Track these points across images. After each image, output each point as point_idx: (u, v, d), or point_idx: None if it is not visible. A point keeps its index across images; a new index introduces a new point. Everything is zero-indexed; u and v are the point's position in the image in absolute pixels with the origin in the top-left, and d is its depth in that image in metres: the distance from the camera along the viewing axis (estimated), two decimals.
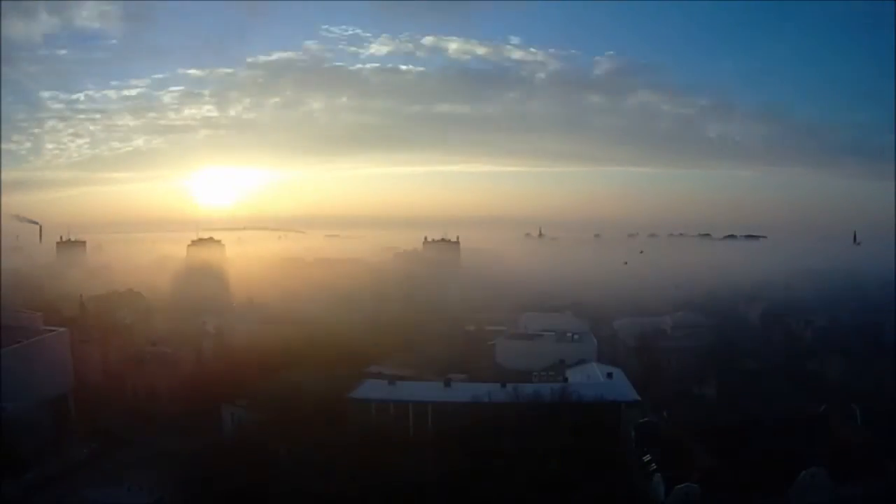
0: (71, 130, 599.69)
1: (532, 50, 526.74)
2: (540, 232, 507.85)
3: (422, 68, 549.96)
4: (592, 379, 77.46)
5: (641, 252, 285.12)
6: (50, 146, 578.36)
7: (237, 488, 47.98)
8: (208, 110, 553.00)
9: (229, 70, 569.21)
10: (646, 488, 53.07)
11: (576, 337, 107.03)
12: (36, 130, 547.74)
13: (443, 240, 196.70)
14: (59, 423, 73.97)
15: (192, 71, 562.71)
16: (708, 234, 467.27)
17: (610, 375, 77.15)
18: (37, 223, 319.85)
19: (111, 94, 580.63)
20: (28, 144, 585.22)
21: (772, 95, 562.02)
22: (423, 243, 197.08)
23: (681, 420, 63.76)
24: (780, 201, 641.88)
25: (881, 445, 54.19)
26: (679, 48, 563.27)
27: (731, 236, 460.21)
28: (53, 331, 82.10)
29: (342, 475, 47.63)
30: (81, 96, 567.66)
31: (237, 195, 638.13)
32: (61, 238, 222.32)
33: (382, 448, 54.33)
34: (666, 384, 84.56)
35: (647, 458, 55.67)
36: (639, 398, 69.16)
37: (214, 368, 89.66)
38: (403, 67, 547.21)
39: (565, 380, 77.15)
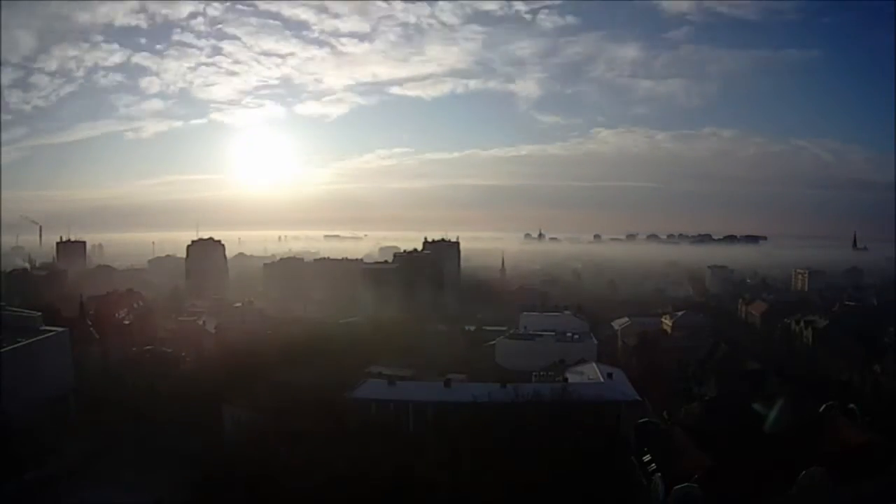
0: None
1: None
2: (540, 233, 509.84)
3: None
4: (592, 379, 77.44)
5: None
6: None
7: (237, 489, 47.95)
8: None
9: None
10: (646, 488, 53.05)
11: (576, 337, 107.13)
12: None
13: (442, 240, 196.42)
14: (59, 423, 73.97)
15: None
16: (708, 235, 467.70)
17: (610, 375, 77.20)
18: (37, 223, 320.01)
19: None
20: None
21: None
22: (423, 243, 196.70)
23: (681, 420, 63.65)
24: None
25: (881, 445, 54.09)
26: None
27: (731, 237, 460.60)
28: (53, 331, 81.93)
29: (342, 475, 47.56)
30: None
31: None
32: (61, 238, 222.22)
33: (383, 448, 54.30)
34: (666, 384, 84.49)
35: (647, 458, 55.64)
36: (639, 398, 69.17)
37: (214, 368, 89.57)
38: None
39: (565, 380, 77.07)
